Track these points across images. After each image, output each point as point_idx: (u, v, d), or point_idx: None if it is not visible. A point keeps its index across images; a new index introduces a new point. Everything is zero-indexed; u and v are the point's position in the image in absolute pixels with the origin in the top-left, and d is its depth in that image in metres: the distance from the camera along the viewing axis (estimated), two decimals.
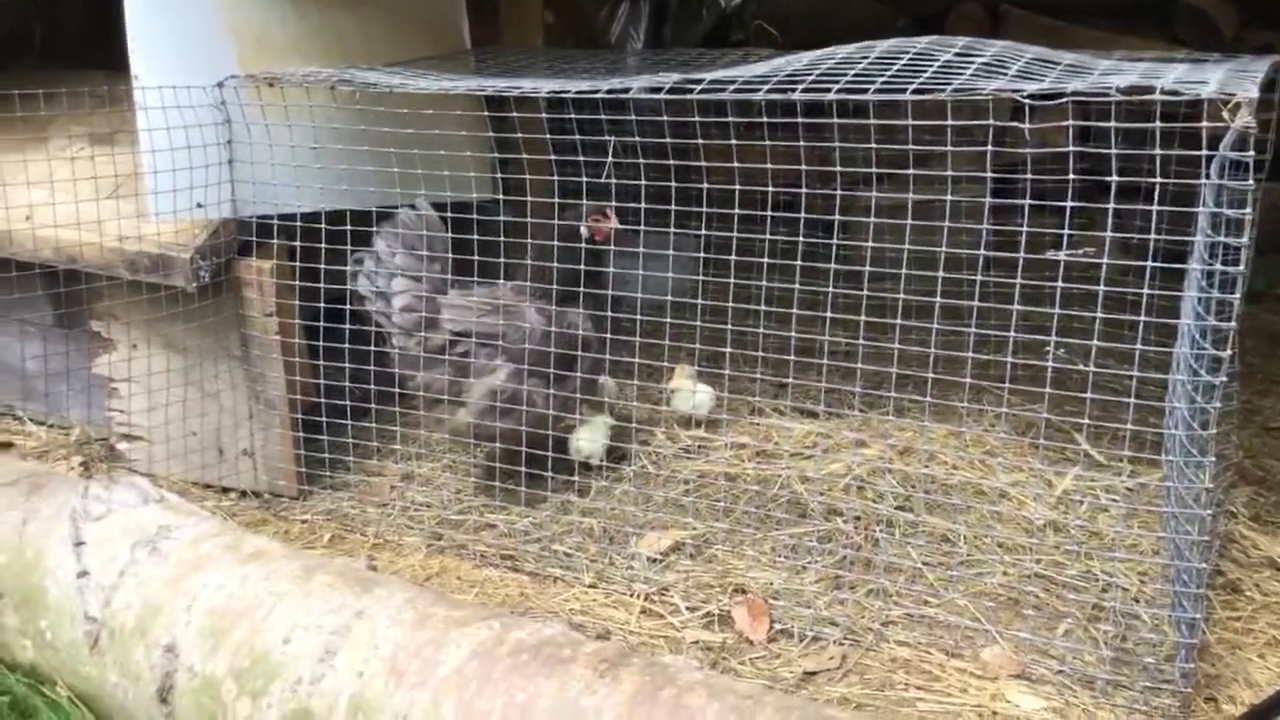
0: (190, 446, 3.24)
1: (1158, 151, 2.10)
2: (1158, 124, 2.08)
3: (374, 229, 3.07)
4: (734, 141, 2.60)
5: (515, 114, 3.06)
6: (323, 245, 2.97)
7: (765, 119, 2.59)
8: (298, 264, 3.02)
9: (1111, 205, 2.21)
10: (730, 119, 2.54)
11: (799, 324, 2.73)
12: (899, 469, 3.17)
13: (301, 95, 3.01)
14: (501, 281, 3.11)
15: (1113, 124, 2.12)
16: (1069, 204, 2.26)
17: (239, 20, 3.18)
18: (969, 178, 4.08)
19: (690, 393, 3.52)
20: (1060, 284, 2.34)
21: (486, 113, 3.81)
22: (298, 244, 2.99)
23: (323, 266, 2.99)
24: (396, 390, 3.10)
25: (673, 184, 2.72)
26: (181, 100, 2.93)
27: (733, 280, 2.79)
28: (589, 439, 3.25)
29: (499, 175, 3.70)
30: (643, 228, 2.87)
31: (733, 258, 2.78)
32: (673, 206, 2.80)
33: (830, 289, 2.69)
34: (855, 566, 2.76)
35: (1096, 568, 2.74)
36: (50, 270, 3.13)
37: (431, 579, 2.83)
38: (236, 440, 3.23)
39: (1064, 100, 2.16)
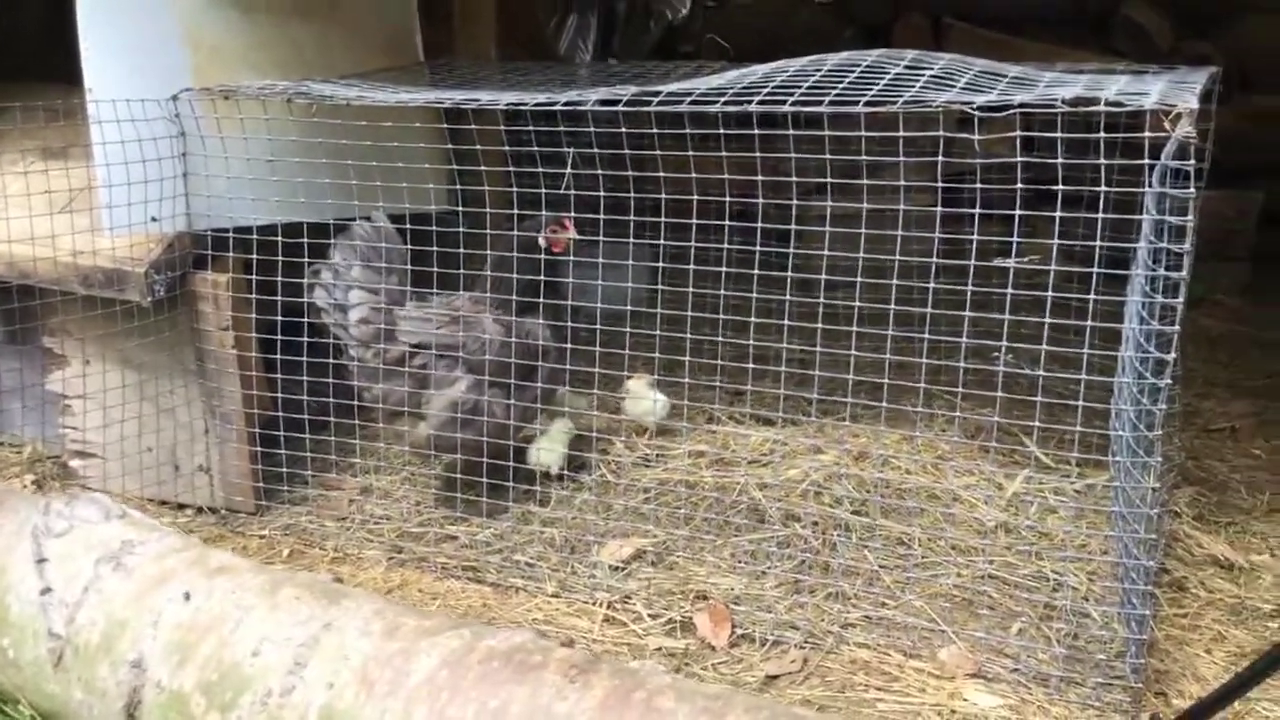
0: (145, 463, 3.21)
1: (1101, 161, 2.17)
2: (1102, 135, 2.15)
3: (330, 241, 3.07)
4: (690, 153, 2.64)
5: (473, 125, 3.09)
6: (279, 258, 2.96)
7: (721, 130, 2.63)
8: (253, 277, 3.01)
9: (1057, 214, 2.27)
10: (686, 130, 2.58)
11: (755, 332, 2.78)
12: (854, 474, 3.22)
13: (257, 108, 3.01)
14: (460, 292, 3.12)
15: (1059, 134, 2.18)
16: (1016, 212, 2.33)
17: (195, 32, 3.17)
18: (919, 187, 4.18)
19: (644, 399, 3.54)
20: (1009, 291, 2.40)
21: (444, 125, 3.81)
22: (253, 257, 2.99)
23: (279, 279, 2.98)
24: (355, 403, 3.10)
25: (631, 195, 2.75)
26: (136, 113, 2.92)
27: (690, 289, 2.84)
28: (548, 448, 3.27)
29: (457, 186, 3.70)
30: (600, 238, 2.91)
31: (691, 267, 2.82)
32: (630, 217, 2.84)
33: (786, 297, 2.74)
34: (814, 571, 2.81)
35: (1047, 568, 2.81)
36: (3, 286, 3.09)
37: (393, 591, 2.83)
38: (192, 456, 3.21)
39: (1011, 112, 2.22)
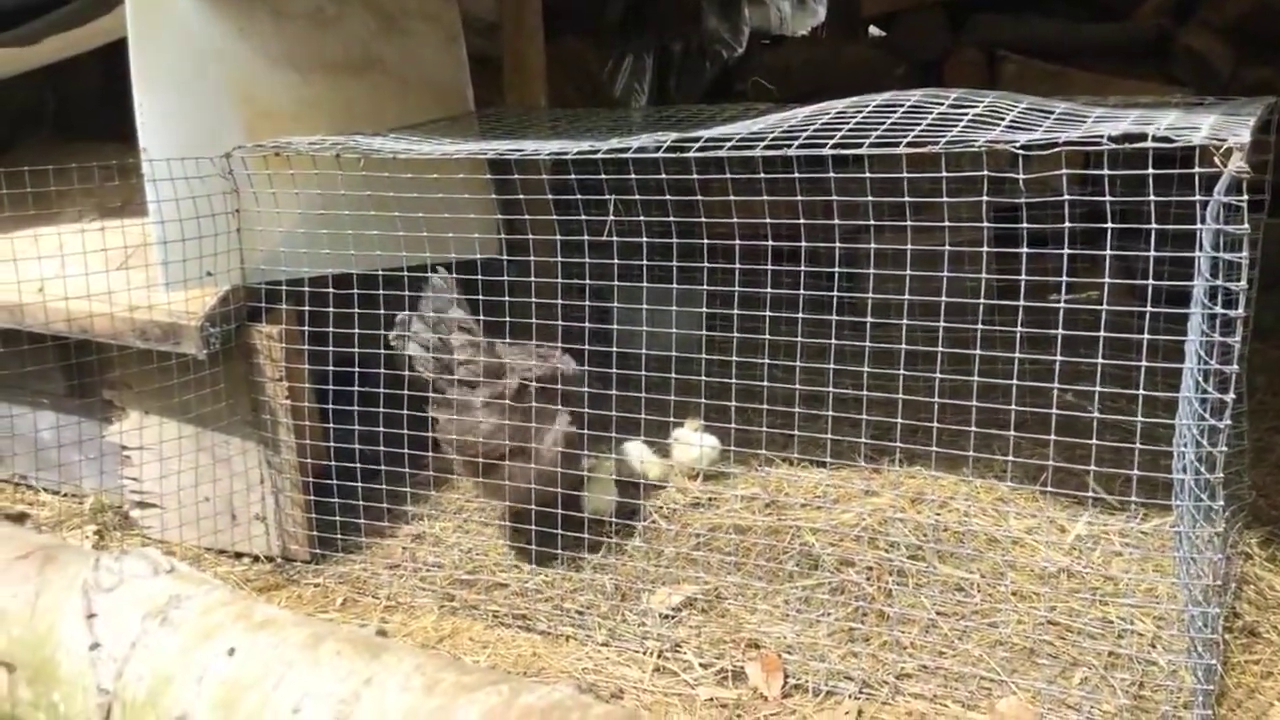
0: (203, 512, 3.26)
1: (1151, 198, 2.12)
2: (1150, 170, 2.10)
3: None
4: (732, 197, 2.63)
5: (517, 175, 3.12)
6: (330, 309, 3.00)
7: (763, 174, 2.62)
8: (306, 328, 3.05)
9: (1108, 251, 2.21)
10: (728, 175, 2.57)
11: (805, 374, 2.75)
12: (910, 518, 3.16)
13: (308, 163, 3.06)
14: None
15: (1106, 171, 2.14)
16: (1065, 251, 2.28)
17: (247, 91, 3.25)
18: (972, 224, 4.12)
19: (691, 446, 3.51)
20: (1061, 330, 2.35)
21: (488, 175, 3.85)
22: (305, 309, 3.03)
23: (331, 330, 3.02)
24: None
25: (674, 240, 2.75)
26: (190, 171, 2.99)
27: (735, 334, 2.83)
28: (603, 494, 3.26)
29: (502, 235, 3.74)
30: (645, 284, 2.91)
31: (735, 311, 2.81)
32: (674, 262, 2.83)
33: (832, 340, 2.71)
34: (869, 618, 2.75)
35: (1112, 613, 2.72)
36: (63, 341, 3.17)
37: (444, 640, 2.83)
38: (249, 505, 3.25)
39: (1057, 149, 2.18)
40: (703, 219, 2.85)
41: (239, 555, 3.30)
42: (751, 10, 9.69)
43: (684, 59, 8.98)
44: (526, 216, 2.84)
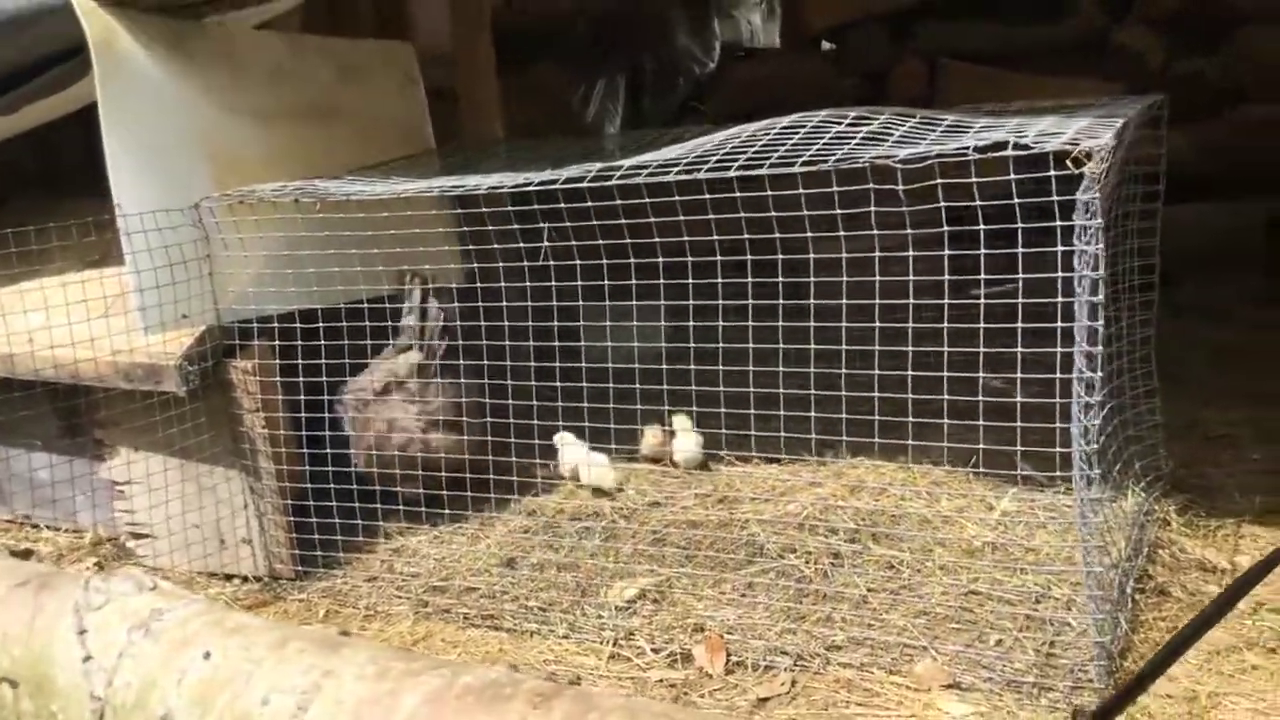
0: (193, 538, 3.49)
1: (1015, 201, 2.35)
2: (1011, 176, 2.34)
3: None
4: (681, 216, 2.86)
5: (484, 208, 3.37)
6: (298, 342, 3.25)
7: (708, 195, 2.83)
8: (276, 361, 3.29)
9: (983, 252, 2.45)
10: (675, 197, 2.81)
11: (759, 377, 3.00)
12: (850, 505, 3.38)
13: (271, 208, 3.31)
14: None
15: (973, 179, 2.37)
16: (945, 252, 2.51)
17: (213, 144, 3.49)
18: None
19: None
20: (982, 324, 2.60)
21: (452, 209, 4.09)
22: (275, 343, 3.28)
23: (300, 362, 3.26)
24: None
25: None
26: (162, 222, 3.23)
27: (692, 344, 3.07)
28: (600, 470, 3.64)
29: (471, 264, 3.99)
30: (607, 302, 3.15)
31: (691, 323, 3.05)
32: (633, 280, 3.07)
33: (780, 344, 2.94)
34: (807, 598, 2.97)
35: (1031, 581, 2.94)
36: (53, 386, 3.41)
37: (419, 643, 3.05)
38: (235, 529, 3.48)
39: (929, 161, 2.41)
40: (656, 238, 3.08)
41: (229, 577, 3.52)
42: (722, 24, 9.87)
43: (656, 78, 9.17)
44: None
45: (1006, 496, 3.31)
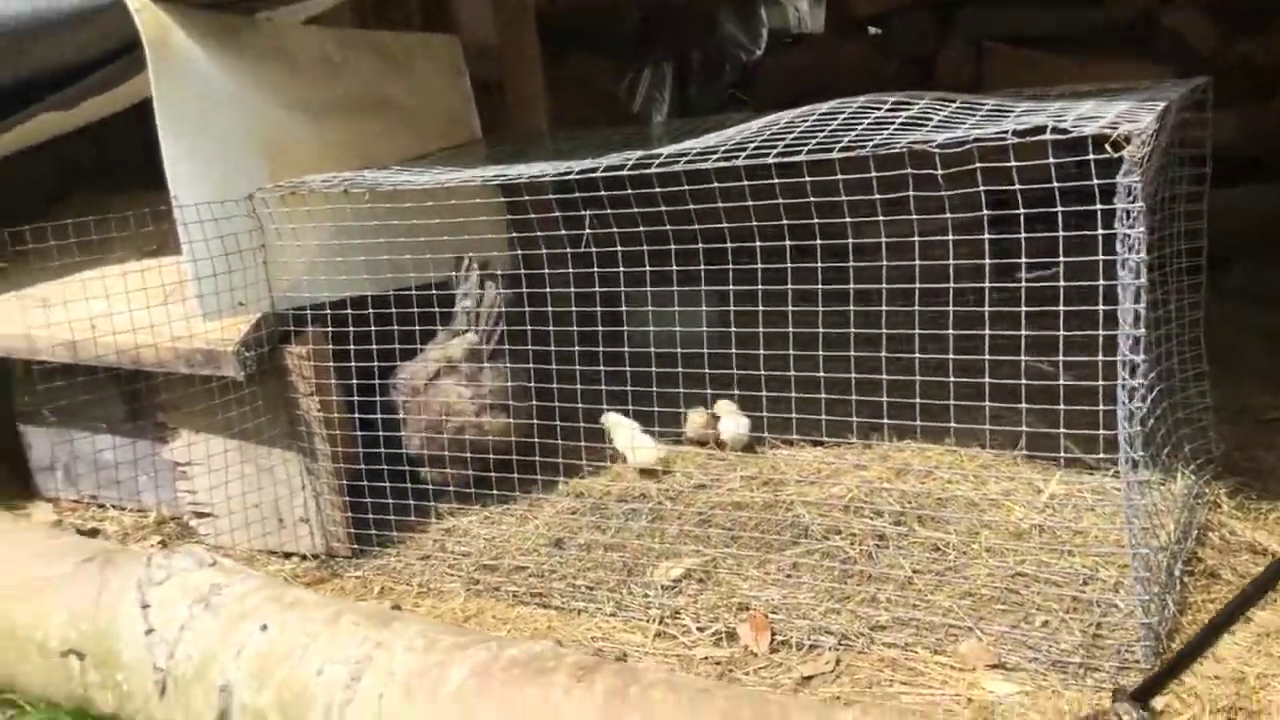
0: (253, 518, 3.59)
1: (1054, 185, 2.36)
2: (1050, 160, 2.34)
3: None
4: (720, 204, 2.90)
5: (526, 197, 3.43)
6: (350, 328, 3.33)
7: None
8: (330, 347, 3.38)
9: (1023, 235, 2.45)
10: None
11: (803, 361, 3.02)
12: (896, 488, 3.40)
13: (322, 198, 3.39)
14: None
15: (1012, 163, 2.38)
16: (985, 236, 2.51)
17: (266, 136, 3.57)
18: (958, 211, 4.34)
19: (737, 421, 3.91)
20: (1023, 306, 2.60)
21: (499, 198, 4.16)
22: (328, 329, 3.36)
23: (352, 347, 3.35)
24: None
25: (673, 246, 3.03)
26: (218, 213, 3.32)
27: (733, 328, 3.10)
28: (645, 449, 3.73)
29: (517, 252, 4.06)
30: (648, 288, 3.19)
31: (731, 308, 3.08)
32: (673, 266, 3.11)
33: (819, 327, 2.96)
34: (851, 579, 2.99)
35: (1078, 563, 2.94)
36: (116, 371, 3.52)
37: (470, 619, 3.12)
38: (293, 509, 3.57)
39: (970, 145, 2.42)
40: (696, 225, 3.12)
41: (288, 555, 3.62)
42: (769, 11, 9.83)
43: (702, 66, 9.16)
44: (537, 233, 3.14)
45: (1054, 479, 3.31)
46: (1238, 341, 4.40)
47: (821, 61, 6.85)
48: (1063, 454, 3.10)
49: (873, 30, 7.31)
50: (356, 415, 3.44)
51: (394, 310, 3.39)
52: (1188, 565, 2.91)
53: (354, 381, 3.42)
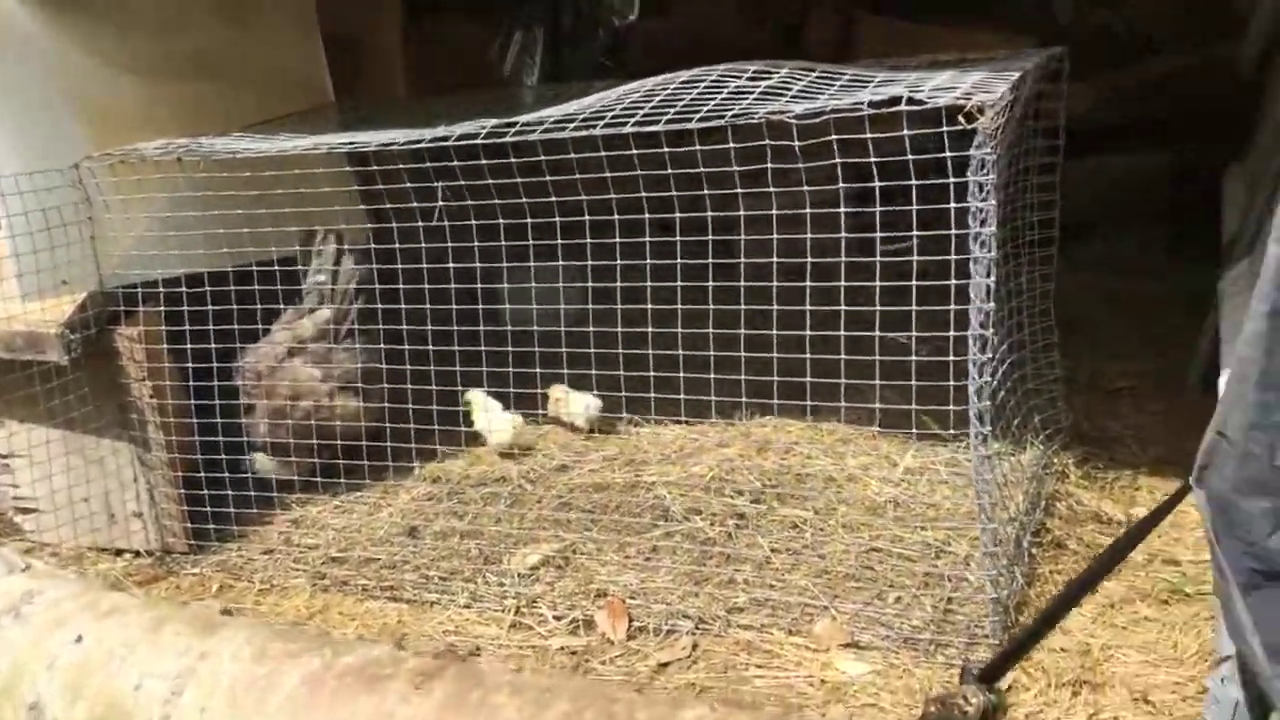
0: (82, 513, 3.37)
1: (909, 158, 2.33)
2: (905, 132, 2.30)
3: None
4: (578, 175, 2.80)
5: (375, 167, 3.26)
6: (185, 308, 3.13)
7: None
8: (164, 328, 3.18)
9: (878, 209, 2.42)
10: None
11: (663, 339, 2.96)
12: (756, 464, 3.37)
13: (156, 167, 3.17)
14: None
15: (868, 135, 2.33)
16: (841, 210, 2.48)
17: (94, 101, 3.34)
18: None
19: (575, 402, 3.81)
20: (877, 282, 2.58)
21: (348, 167, 3.97)
22: (162, 309, 3.16)
23: (188, 328, 3.15)
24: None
25: (529, 220, 2.92)
26: (39, 184, 3.08)
27: (590, 305, 3.01)
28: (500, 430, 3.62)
29: (368, 225, 3.90)
30: (504, 264, 3.08)
31: (590, 284, 2.99)
32: (530, 241, 3.00)
33: (679, 305, 2.89)
34: (711, 561, 2.95)
35: (931, 537, 2.95)
36: None
37: (315, 616, 2.98)
38: (125, 503, 3.36)
39: (825, 117, 2.37)
40: (553, 197, 3.01)
41: (120, 552, 3.41)
42: None
43: (575, 30, 8.99)
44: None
45: (909, 453, 3.32)
46: (1089, 310, 4.51)
47: (692, 27, 6.77)
48: (915, 430, 3.13)
49: None
50: (193, 401, 3.24)
51: (233, 288, 3.19)
52: (1036, 536, 2.95)
53: (190, 365, 3.22)
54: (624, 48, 8.70)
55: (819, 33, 5.86)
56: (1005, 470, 2.87)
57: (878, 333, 2.68)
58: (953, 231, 2.43)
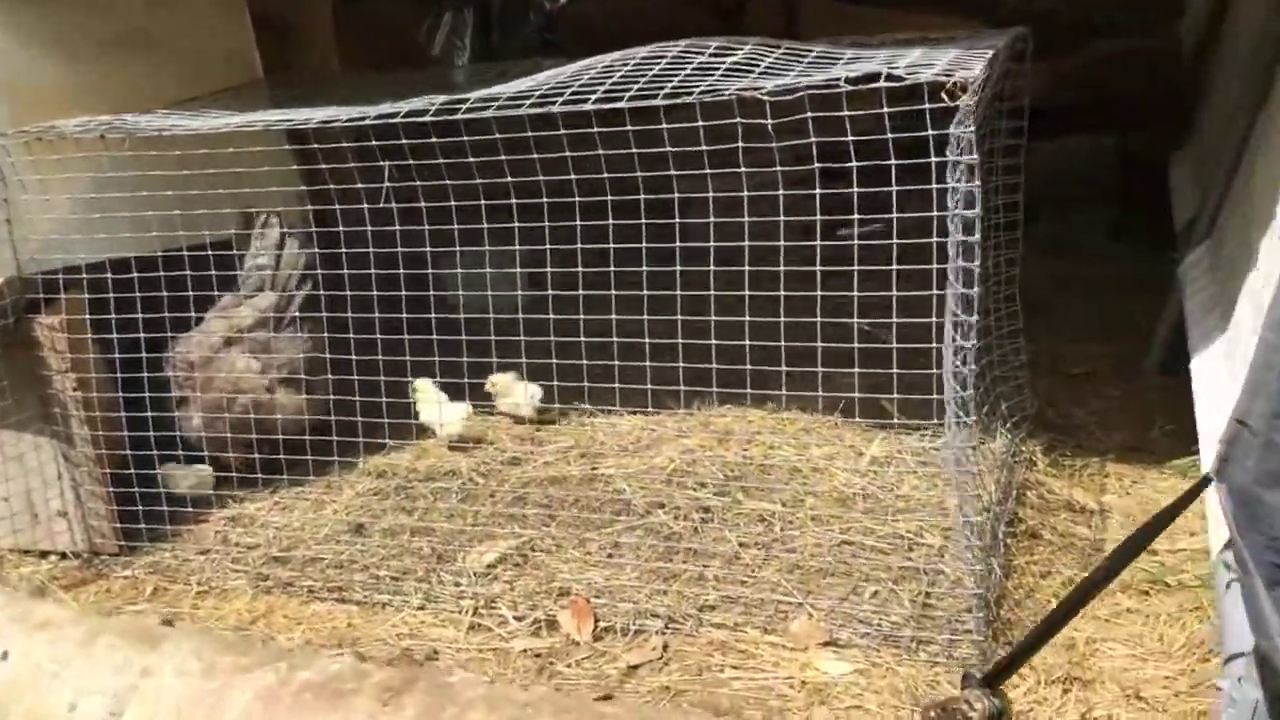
0: (1, 513, 3.15)
1: (889, 136, 2.22)
2: (885, 109, 2.20)
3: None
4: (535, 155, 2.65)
5: (315, 145, 3.08)
6: (111, 295, 2.93)
7: (564, 130, 2.62)
8: (87, 316, 2.97)
9: (855, 190, 2.32)
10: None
11: (623, 324, 2.83)
12: (718, 455, 3.26)
13: (75, 146, 2.96)
14: None
15: (845, 113, 2.22)
16: (817, 191, 2.37)
17: (10, 79, 3.12)
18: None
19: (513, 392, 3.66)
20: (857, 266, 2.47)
21: (286, 145, 3.77)
22: (85, 296, 2.95)
23: (113, 316, 2.95)
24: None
25: (483, 202, 2.77)
26: None
27: (550, 291, 2.87)
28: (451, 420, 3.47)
29: (308, 207, 3.70)
30: (458, 248, 2.91)
31: (549, 270, 2.85)
32: (484, 225, 2.84)
33: (645, 290, 2.77)
34: (677, 556, 2.83)
35: (903, 529, 2.87)
36: None
37: (258, 621, 2.80)
38: (48, 501, 3.15)
39: (800, 94, 2.25)
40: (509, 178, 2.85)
41: (45, 554, 3.19)
42: None
43: (504, 11, 8.82)
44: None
45: (875, 442, 3.24)
46: (1046, 294, 4.47)
47: (625, 9, 6.62)
48: (897, 419, 3.04)
49: None
50: (121, 394, 3.04)
51: (163, 274, 2.99)
52: (1009, 526, 2.88)
53: (118, 356, 3.02)
54: (554, 30, 8.56)
55: (760, 16, 5.75)
56: (978, 459, 2.79)
57: (856, 320, 2.59)
58: (934, 214, 2.34)
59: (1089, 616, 2.49)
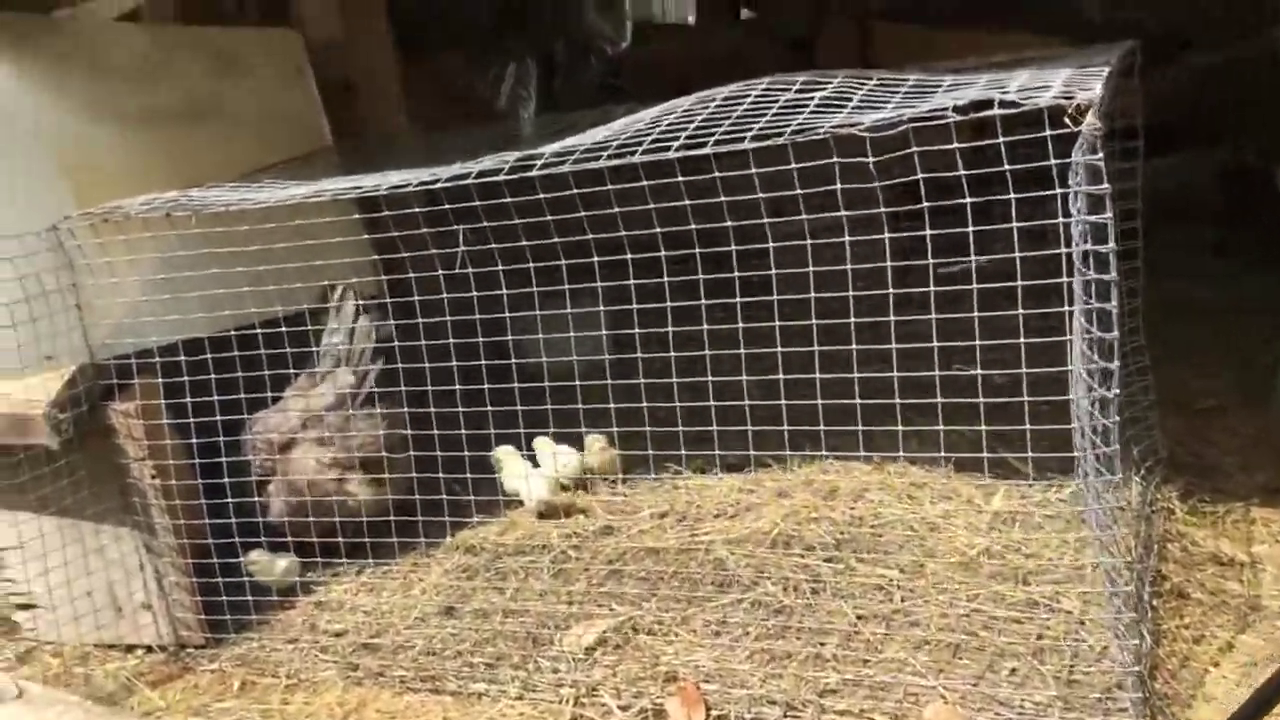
0: (85, 608, 3.05)
1: (1005, 168, 2.02)
2: (1000, 139, 2.00)
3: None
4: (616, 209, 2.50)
5: (388, 212, 2.96)
6: (185, 378, 2.82)
7: (646, 181, 2.46)
8: (162, 401, 2.87)
9: (971, 229, 2.11)
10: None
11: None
12: (825, 516, 3.04)
13: (142, 225, 2.87)
14: None
15: (955, 145, 2.03)
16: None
17: (70, 156, 3.06)
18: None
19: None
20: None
21: (356, 215, 3.66)
22: (159, 380, 2.85)
23: (189, 400, 2.84)
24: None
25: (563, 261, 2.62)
26: (14, 250, 2.78)
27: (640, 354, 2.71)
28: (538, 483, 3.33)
29: (381, 276, 3.60)
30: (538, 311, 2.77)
31: (636, 331, 2.69)
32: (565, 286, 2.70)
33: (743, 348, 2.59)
34: (789, 633, 2.62)
35: (1036, 594, 2.62)
36: None
37: (350, 715, 2.65)
38: (132, 594, 3.04)
39: (904, 127, 2.06)
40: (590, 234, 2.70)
41: (130, 648, 3.08)
42: (632, 1, 9.55)
43: (567, 59, 8.81)
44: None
45: (997, 496, 3.00)
46: (1157, 320, 4.19)
47: (693, 50, 6.51)
48: (1031, 479, 2.80)
49: (746, 14, 7.01)
50: (200, 481, 2.92)
51: (237, 354, 2.88)
52: (1153, 585, 2.62)
53: (195, 441, 2.91)
54: (619, 76, 8.51)
55: (833, 45, 5.57)
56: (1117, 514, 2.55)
57: (979, 371, 2.36)
58: (1062, 250, 2.12)
59: (1251, 686, 2.21)
